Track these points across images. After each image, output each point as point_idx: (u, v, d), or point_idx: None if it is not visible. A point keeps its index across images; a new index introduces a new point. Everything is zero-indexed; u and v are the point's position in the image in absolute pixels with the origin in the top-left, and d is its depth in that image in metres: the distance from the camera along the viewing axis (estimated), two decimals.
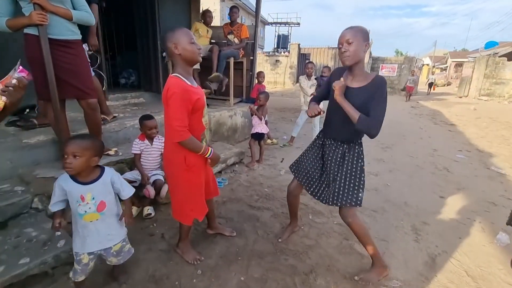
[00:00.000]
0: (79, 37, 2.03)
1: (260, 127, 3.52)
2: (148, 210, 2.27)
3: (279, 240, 2.04)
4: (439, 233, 2.21)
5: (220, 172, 3.22)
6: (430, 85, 17.17)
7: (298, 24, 25.62)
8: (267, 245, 1.99)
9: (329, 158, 1.69)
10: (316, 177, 1.78)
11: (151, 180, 2.30)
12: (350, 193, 1.60)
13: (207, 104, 4.34)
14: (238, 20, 4.23)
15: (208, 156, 1.55)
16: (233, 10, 4.03)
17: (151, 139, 2.32)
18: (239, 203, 2.61)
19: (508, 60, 14.13)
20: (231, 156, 3.35)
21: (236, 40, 4.12)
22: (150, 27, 3.92)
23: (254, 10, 4.52)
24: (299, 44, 17.56)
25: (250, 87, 4.69)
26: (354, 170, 1.62)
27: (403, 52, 41.99)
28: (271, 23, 27.39)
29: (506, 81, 13.85)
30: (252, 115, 3.59)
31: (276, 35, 25.77)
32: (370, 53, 15.95)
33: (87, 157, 1.24)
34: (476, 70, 14.55)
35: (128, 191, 1.43)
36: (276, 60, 18.70)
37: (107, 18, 4.59)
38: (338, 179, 1.63)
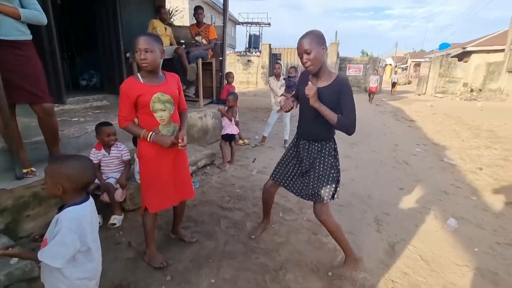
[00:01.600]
0: (30, 37, 1.89)
1: (230, 128, 3.53)
2: (114, 219, 2.18)
3: (252, 237, 2.07)
4: (399, 222, 2.39)
5: (191, 174, 3.17)
6: (394, 84, 16.86)
7: (269, 24, 25.92)
8: (238, 246, 2.00)
9: (303, 156, 1.77)
10: (293, 175, 1.86)
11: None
12: (323, 189, 1.67)
13: None
14: (208, 20, 4.20)
15: (149, 140, 1.57)
16: (198, 11, 3.97)
17: (108, 147, 2.24)
18: (211, 205, 2.59)
19: (459, 60, 15.54)
20: (201, 158, 3.31)
21: (204, 41, 4.08)
22: (112, 26, 3.74)
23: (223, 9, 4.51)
24: (270, 44, 17.80)
25: (220, 87, 4.66)
26: (327, 167, 1.69)
27: (368, 53, 44.23)
28: (242, 23, 27.44)
29: (458, 80, 15.20)
30: (222, 116, 3.58)
31: (248, 35, 25.93)
32: (338, 53, 16.61)
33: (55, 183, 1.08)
34: (432, 69, 15.79)
35: (45, 251, 1.04)
36: (248, 60, 18.78)
37: (63, 15, 4.30)
38: (312, 176, 1.70)
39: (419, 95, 16.34)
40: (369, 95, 11.99)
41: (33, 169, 2.03)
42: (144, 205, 1.71)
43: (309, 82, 1.61)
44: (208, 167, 3.46)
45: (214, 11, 23.57)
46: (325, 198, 1.67)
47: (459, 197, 2.93)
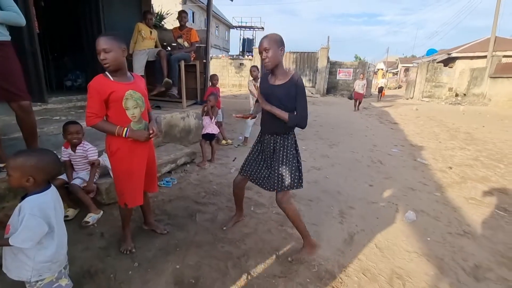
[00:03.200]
0: (7, 38, 1.99)
1: (210, 127, 3.66)
2: (90, 217, 2.19)
3: (224, 228, 2.20)
4: (362, 215, 2.54)
5: (170, 172, 3.28)
6: (381, 90, 15.58)
7: (262, 28, 26.32)
8: (207, 236, 2.12)
9: (266, 149, 1.93)
10: (258, 168, 2.00)
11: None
12: (285, 179, 1.82)
13: (158, 106, 4.34)
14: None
15: (125, 136, 1.61)
16: (181, 15, 4.12)
17: (74, 146, 2.26)
18: (186, 200, 2.71)
19: (444, 65, 16.02)
20: (181, 156, 3.43)
21: (186, 44, 4.22)
22: (96, 27, 3.86)
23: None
24: None
25: (204, 89, 4.80)
26: (288, 158, 1.85)
27: (361, 57, 45.06)
28: (236, 27, 27.79)
29: (443, 84, 15.67)
30: (202, 115, 3.71)
31: (241, 39, 26.23)
32: (328, 58, 16.94)
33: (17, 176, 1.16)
34: (419, 74, 16.23)
35: (15, 236, 1.12)
36: (240, 64, 18.99)
37: (48, 17, 4.39)
38: (276, 167, 1.85)
39: (407, 99, 16.74)
40: (355, 102, 10.54)
41: None
42: (123, 202, 1.78)
43: (258, 94, 1.82)
44: (188, 165, 3.57)
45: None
46: (286, 187, 1.82)
47: (424, 193, 3.10)
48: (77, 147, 2.28)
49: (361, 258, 1.93)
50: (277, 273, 1.75)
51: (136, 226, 2.19)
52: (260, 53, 1.75)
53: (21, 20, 2.01)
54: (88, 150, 2.31)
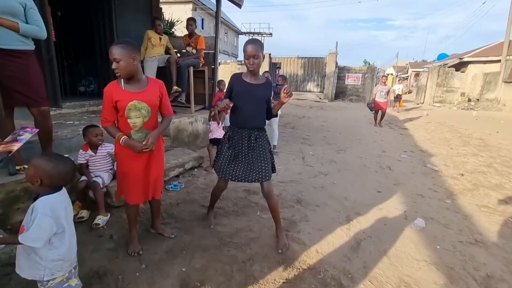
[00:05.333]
0: (31, 47, 2.10)
1: (218, 132, 3.70)
2: (99, 219, 2.24)
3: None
4: (369, 221, 2.50)
5: (178, 176, 3.33)
6: (397, 98, 12.53)
7: (271, 34, 26.54)
8: (213, 240, 2.14)
9: (239, 144, 2.04)
10: (233, 165, 2.07)
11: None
12: (267, 169, 2.02)
13: (174, 111, 4.40)
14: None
15: (121, 143, 1.71)
16: (189, 23, 4.22)
17: (95, 148, 2.39)
18: (193, 204, 2.74)
19: (456, 70, 15.72)
20: (189, 161, 3.47)
21: (194, 51, 4.31)
22: (108, 34, 3.99)
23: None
24: (270, 54, 18.12)
25: (212, 95, 4.87)
26: (265, 150, 2.04)
27: (370, 62, 44.73)
28: (245, 33, 28.12)
29: (455, 89, 15.35)
30: (209, 120, 3.76)
31: None
32: (336, 63, 16.90)
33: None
34: (429, 79, 15.95)
35: (26, 235, 1.17)
36: None
37: (64, 26, 4.57)
38: (256, 160, 2.01)
39: (418, 104, 16.46)
40: (375, 115, 8.01)
41: (25, 166, 2.20)
42: (121, 194, 1.92)
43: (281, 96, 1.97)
44: (195, 170, 3.62)
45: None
46: (270, 176, 2.02)
47: (434, 199, 3.04)
48: (98, 148, 2.42)
49: (368, 266, 1.91)
50: (282, 279, 1.75)
51: (144, 228, 2.23)
52: (248, 58, 1.89)
53: (42, 34, 2.12)
54: (109, 148, 2.49)
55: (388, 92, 7.91)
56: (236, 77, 2.05)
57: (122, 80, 1.70)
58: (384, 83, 8.03)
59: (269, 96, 2.07)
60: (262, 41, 25.04)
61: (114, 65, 1.60)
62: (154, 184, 1.92)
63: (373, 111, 8.16)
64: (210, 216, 2.40)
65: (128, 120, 1.71)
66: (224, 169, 2.08)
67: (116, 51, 1.59)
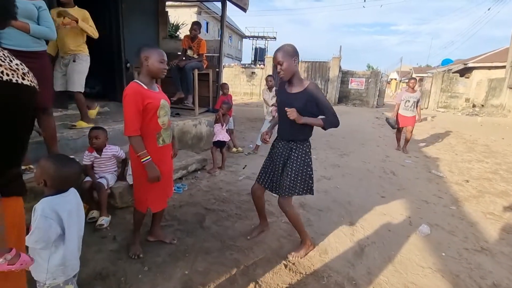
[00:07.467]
0: (44, 48, 2.14)
1: (221, 135, 3.71)
2: (102, 220, 2.24)
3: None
4: (373, 227, 2.48)
5: (181, 178, 3.33)
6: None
7: (275, 38, 26.66)
8: (216, 243, 2.13)
9: (278, 155, 1.98)
10: (270, 175, 2.06)
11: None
12: (292, 184, 1.89)
13: (178, 114, 4.45)
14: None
15: (143, 162, 1.64)
16: (193, 27, 4.23)
17: (99, 150, 2.40)
18: (196, 206, 2.73)
19: (461, 76, 15.65)
20: (192, 163, 3.48)
21: (195, 56, 4.33)
22: (115, 37, 4.04)
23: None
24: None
25: (216, 97, 4.89)
26: (302, 164, 1.90)
27: (374, 67, 44.69)
28: (249, 37, 28.28)
29: (460, 95, 15.27)
30: (215, 122, 3.77)
31: (253, 48, 26.63)
32: (340, 67, 16.90)
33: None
34: (433, 84, 15.90)
35: (28, 238, 1.16)
36: (252, 72, 19.21)
37: None
38: (288, 172, 1.90)
39: (422, 109, 16.37)
40: (398, 134, 5.70)
41: (31, 166, 2.22)
42: (146, 206, 1.84)
43: (288, 109, 1.79)
44: (199, 172, 3.62)
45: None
46: (297, 192, 1.90)
47: (439, 206, 3.01)
48: (103, 150, 2.43)
49: (372, 272, 1.88)
50: (286, 284, 1.74)
51: (147, 230, 2.23)
52: (275, 66, 1.83)
53: (52, 35, 2.15)
54: (118, 152, 2.52)
55: (417, 102, 5.34)
56: (280, 86, 2.03)
57: (140, 81, 1.69)
58: (413, 88, 5.37)
59: (302, 105, 1.81)
60: (266, 45, 25.09)
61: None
62: (169, 182, 1.97)
63: (395, 128, 5.69)
64: (257, 227, 2.32)
65: (159, 120, 1.73)
66: (261, 175, 2.11)
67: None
